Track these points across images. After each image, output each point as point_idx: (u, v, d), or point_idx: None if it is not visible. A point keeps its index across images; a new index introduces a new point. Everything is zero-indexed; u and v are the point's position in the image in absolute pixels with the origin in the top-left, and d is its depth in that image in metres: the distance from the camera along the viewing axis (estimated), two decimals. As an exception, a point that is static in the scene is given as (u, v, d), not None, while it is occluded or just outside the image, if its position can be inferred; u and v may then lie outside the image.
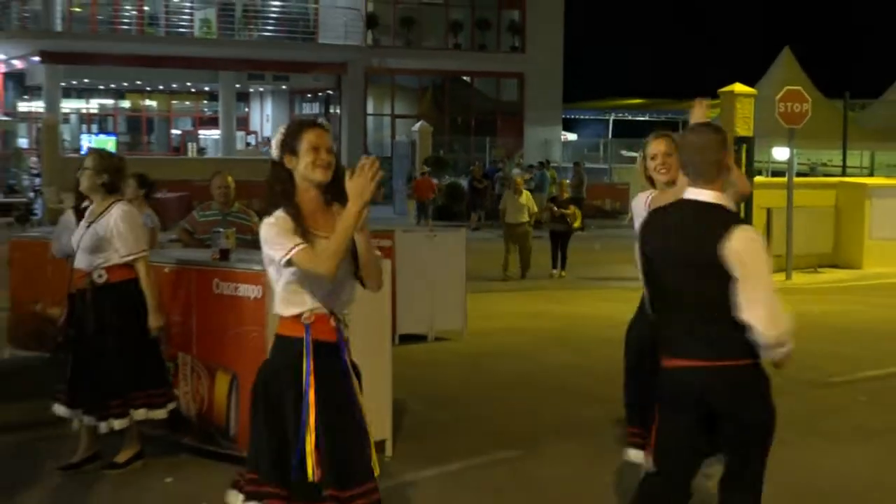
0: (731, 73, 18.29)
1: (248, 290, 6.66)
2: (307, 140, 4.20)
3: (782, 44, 26.76)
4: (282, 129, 4.36)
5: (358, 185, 3.86)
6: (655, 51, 64.49)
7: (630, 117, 47.21)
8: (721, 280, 4.01)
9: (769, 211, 16.89)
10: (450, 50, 35.75)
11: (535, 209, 17.18)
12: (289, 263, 4.10)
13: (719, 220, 4.10)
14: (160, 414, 6.62)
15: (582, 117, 48.21)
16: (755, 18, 68.23)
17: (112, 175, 6.60)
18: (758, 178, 17.70)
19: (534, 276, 16.69)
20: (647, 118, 45.76)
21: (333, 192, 4.27)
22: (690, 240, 4.14)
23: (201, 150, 36.22)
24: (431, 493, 6.17)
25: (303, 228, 4.14)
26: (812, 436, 7.47)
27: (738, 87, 16.96)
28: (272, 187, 4.35)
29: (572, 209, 17.37)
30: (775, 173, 21.07)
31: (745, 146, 16.24)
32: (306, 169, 4.18)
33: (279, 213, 4.16)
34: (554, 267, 16.97)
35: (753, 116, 16.68)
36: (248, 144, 36.20)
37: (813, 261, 17.84)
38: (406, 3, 35.58)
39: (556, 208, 17.34)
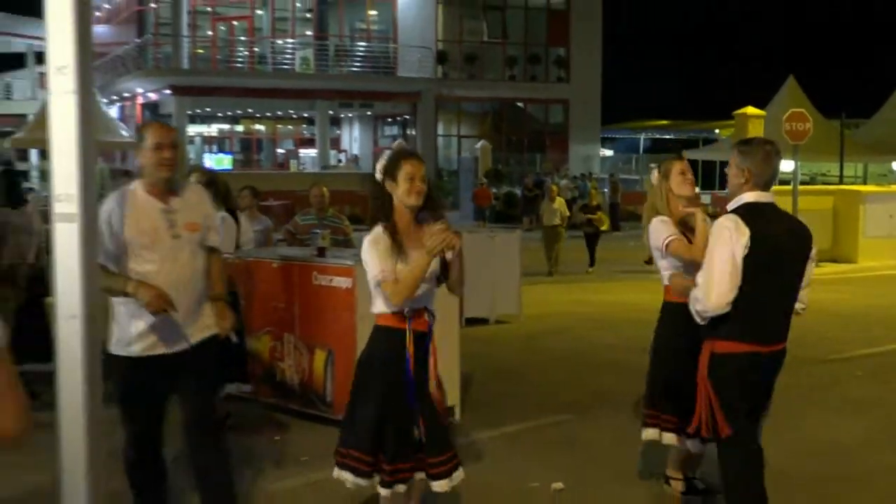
0: (742, 98, 18.11)
1: (341, 282, 6.72)
2: (405, 170, 4.20)
3: (787, 72, 26.43)
4: (384, 157, 4.35)
5: (432, 244, 3.94)
6: (678, 80, 64.15)
7: (657, 136, 47.10)
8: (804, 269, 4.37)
9: (777, 214, 16.97)
10: (506, 81, 35.72)
11: (567, 213, 17.09)
12: (378, 286, 4.19)
13: (796, 218, 4.50)
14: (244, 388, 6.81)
15: (617, 136, 48.04)
16: (764, 50, 67.84)
17: (207, 187, 6.73)
18: (767, 187, 17.75)
19: (573, 270, 16.64)
20: (671, 136, 45.88)
21: (426, 213, 4.31)
22: (799, 236, 4.31)
23: (301, 166, 36.50)
24: (492, 451, 6.15)
25: (398, 243, 4.17)
26: (812, 405, 7.42)
27: (750, 110, 16.98)
28: (374, 204, 4.39)
29: (599, 214, 17.37)
30: (782, 182, 20.81)
31: (755, 159, 16.47)
32: (403, 194, 4.19)
33: (378, 231, 4.20)
34: (592, 264, 16.91)
35: (763, 134, 16.72)
36: (339, 161, 36.35)
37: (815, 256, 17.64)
38: (469, 42, 35.58)
39: (584, 214, 17.44)
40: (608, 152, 43.90)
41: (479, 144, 32.06)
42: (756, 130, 16.72)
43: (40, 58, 43.19)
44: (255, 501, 5.42)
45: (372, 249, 4.18)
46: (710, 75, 64.53)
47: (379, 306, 4.27)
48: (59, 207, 3.85)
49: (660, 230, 4.98)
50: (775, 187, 4.49)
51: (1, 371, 2.05)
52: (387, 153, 4.44)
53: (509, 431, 6.75)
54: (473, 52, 35.59)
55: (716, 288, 4.01)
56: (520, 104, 37.24)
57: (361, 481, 4.40)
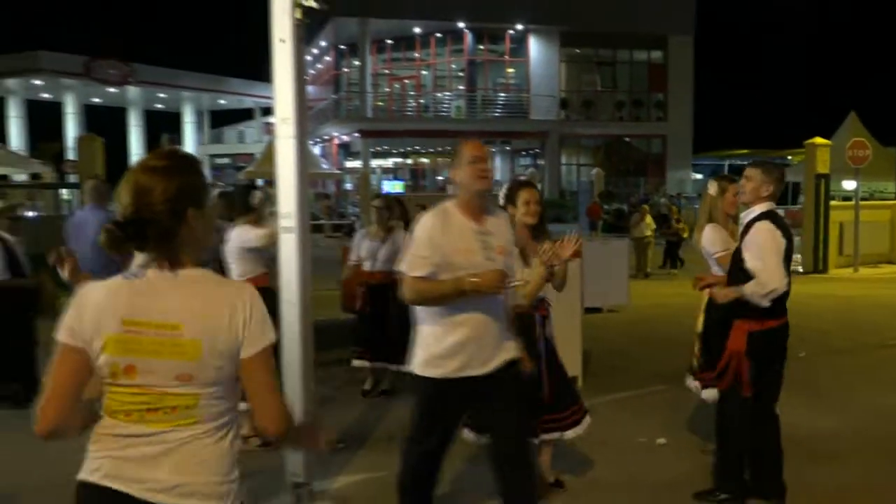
0: (811, 129, 17.30)
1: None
2: (522, 196, 4.26)
3: (849, 106, 25.06)
4: (507, 186, 4.46)
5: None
6: (756, 114, 61.90)
7: (739, 162, 45.15)
8: None
9: (841, 225, 16.38)
10: (615, 121, 35.17)
11: (654, 227, 16.53)
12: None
13: None
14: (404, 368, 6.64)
15: (705, 163, 46.49)
16: (829, 87, 65.06)
17: (392, 206, 6.96)
18: (833, 202, 16.92)
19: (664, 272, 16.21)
20: (749, 162, 43.97)
21: (538, 230, 4.29)
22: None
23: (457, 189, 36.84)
24: (606, 412, 6.04)
25: (522, 255, 4.18)
26: (874, 383, 7.02)
27: (818, 140, 16.25)
28: None
29: (682, 224, 16.83)
30: (845, 198, 19.86)
31: (823, 181, 15.98)
32: (521, 216, 4.22)
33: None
34: (673, 266, 16.32)
35: (829, 160, 16.11)
36: (485, 185, 36.56)
37: (875, 259, 16.86)
38: (586, 91, 35.21)
39: (667, 226, 17.05)
40: (698, 175, 42.51)
41: (594, 171, 31.71)
42: (823, 157, 15.94)
43: (265, 111, 45.11)
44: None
45: None
46: (783, 110, 62.19)
47: (511, 300, 4.37)
48: (283, 222, 4.03)
49: (714, 240, 4.84)
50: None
51: (264, 372, 1.90)
52: (507, 184, 4.54)
53: (619, 397, 6.64)
54: (589, 99, 35.17)
55: (777, 274, 3.86)
56: (626, 139, 36.53)
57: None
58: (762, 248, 3.91)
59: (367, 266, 6.66)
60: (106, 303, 1.83)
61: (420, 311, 3.44)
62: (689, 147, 36.03)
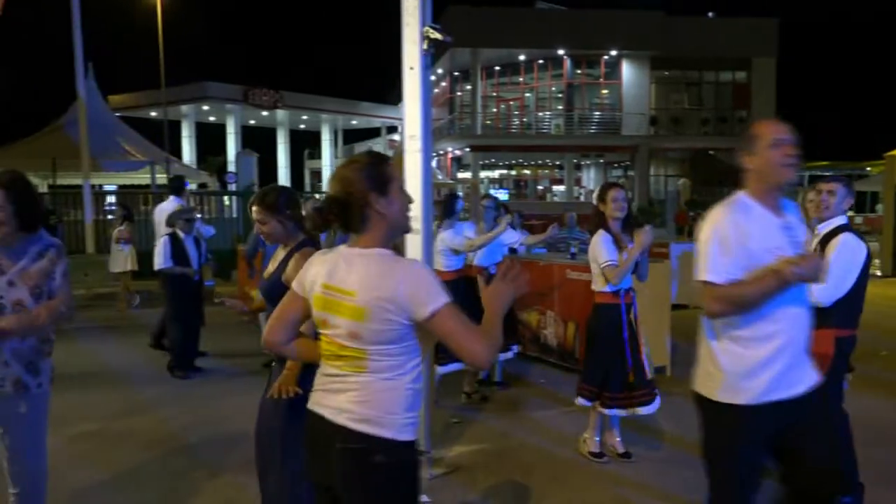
0: (891, 142, 16.16)
1: (586, 276, 6.61)
2: (611, 195, 4.39)
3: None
4: (598, 189, 4.60)
5: (643, 239, 3.75)
6: (835, 127, 58.32)
7: (820, 173, 42.75)
8: None
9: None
10: (700, 136, 33.84)
11: None
12: (605, 266, 4.35)
13: None
14: (509, 355, 6.42)
15: (786, 174, 44.19)
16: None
17: (498, 210, 6.73)
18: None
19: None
20: (830, 174, 41.33)
21: (626, 224, 4.44)
22: None
23: (554, 197, 36.47)
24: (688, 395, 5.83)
25: (617, 241, 4.37)
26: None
27: (897, 152, 15.17)
28: (593, 219, 4.58)
29: None
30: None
31: (903, 190, 14.68)
32: (610, 211, 4.36)
33: (603, 232, 4.43)
34: None
35: None
36: (579, 195, 35.95)
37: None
38: (674, 108, 34.08)
39: None
40: (779, 185, 40.55)
41: (680, 181, 30.76)
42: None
43: (389, 130, 45.96)
44: (527, 423, 5.46)
45: (604, 243, 4.34)
46: (863, 124, 58.31)
47: (599, 285, 4.45)
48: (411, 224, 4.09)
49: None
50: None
51: (446, 325, 1.96)
52: (598, 187, 4.69)
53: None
54: (677, 116, 34.04)
55: (843, 287, 3.60)
56: (711, 152, 35.14)
57: (587, 403, 4.60)
58: (846, 261, 3.71)
59: (470, 260, 6.43)
60: (319, 268, 2.12)
61: (711, 323, 2.60)
62: (770, 160, 34.30)
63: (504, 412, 5.73)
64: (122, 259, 10.39)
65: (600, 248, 4.40)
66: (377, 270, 2.00)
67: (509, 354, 6.36)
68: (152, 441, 5.09)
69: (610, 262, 4.33)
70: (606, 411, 4.54)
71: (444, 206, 6.10)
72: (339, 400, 2.04)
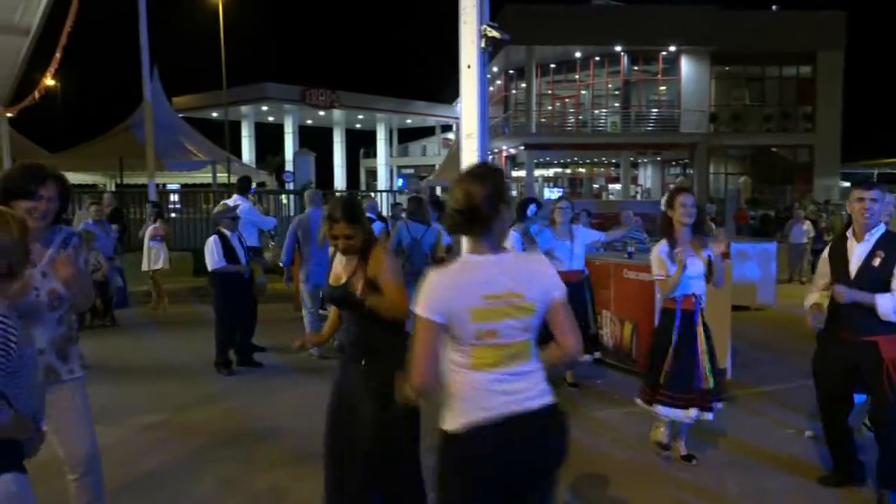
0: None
1: (644, 276, 6.52)
2: (679, 200, 4.33)
3: None
4: (667, 194, 4.52)
5: (681, 258, 3.74)
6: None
7: (888, 171, 41.03)
8: None
9: None
10: (762, 133, 32.92)
11: (813, 234, 14.81)
12: (655, 282, 4.33)
13: None
14: (588, 359, 6.32)
15: (855, 171, 42.57)
16: None
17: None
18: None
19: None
20: (867, 182, 39.61)
21: (695, 230, 4.35)
22: None
23: (609, 196, 36.00)
24: (754, 404, 5.70)
25: (673, 250, 4.29)
26: None
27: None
28: (661, 225, 4.52)
29: (834, 230, 15.25)
30: None
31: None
32: (678, 217, 4.29)
33: (664, 244, 4.39)
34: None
35: None
36: (636, 193, 35.43)
37: None
38: (734, 105, 33.22)
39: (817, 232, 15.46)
40: (845, 184, 39.09)
41: (741, 179, 29.97)
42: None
43: (443, 129, 46.10)
44: (584, 423, 5.41)
45: (658, 255, 4.38)
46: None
47: (661, 293, 4.44)
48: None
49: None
50: None
51: (561, 314, 2.28)
52: (668, 191, 4.57)
53: (766, 390, 6.22)
54: (737, 113, 33.14)
55: None
56: (773, 149, 34.15)
57: (644, 405, 4.55)
58: None
59: (558, 266, 6.06)
60: (462, 286, 2.18)
61: None
62: (836, 156, 33.10)
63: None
64: (153, 256, 10.36)
65: (653, 261, 4.45)
66: (527, 268, 2.26)
67: (588, 358, 6.26)
68: (212, 433, 5.23)
69: (659, 277, 4.37)
70: (661, 409, 4.46)
71: (518, 210, 6.18)
72: (522, 390, 2.22)
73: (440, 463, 2.25)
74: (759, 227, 26.68)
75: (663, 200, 4.47)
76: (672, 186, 30.94)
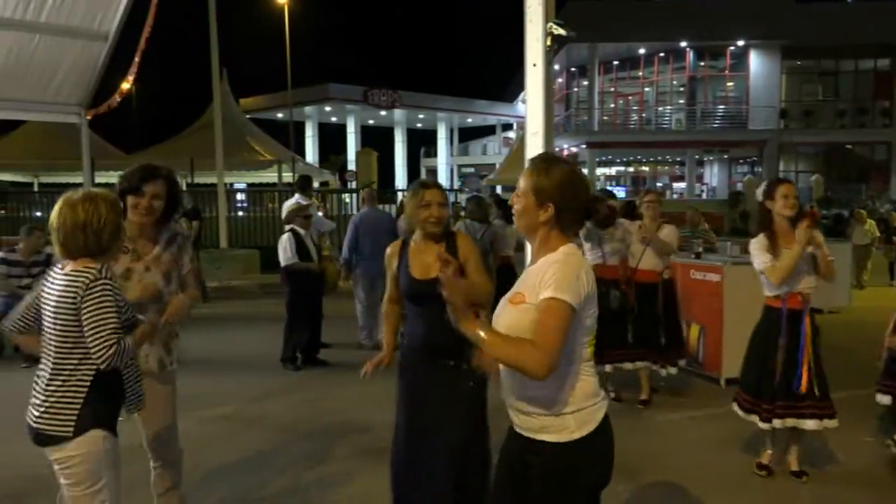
0: None
1: (712, 276, 6.36)
2: (780, 191, 4.14)
3: None
4: (765, 184, 4.30)
5: (799, 236, 3.75)
6: None
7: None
8: None
9: None
10: (836, 129, 31.64)
11: (877, 234, 13.98)
12: (762, 272, 4.05)
13: None
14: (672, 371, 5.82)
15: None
16: None
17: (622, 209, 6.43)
18: None
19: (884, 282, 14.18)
20: None
21: (793, 221, 4.05)
22: None
23: (674, 195, 35.24)
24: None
25: (773, 244, 4.02)
26: None
27: None
28: (758, 218, 4.34)
29: None
30: None
31: None
32: (780, 208, 4.07)
33: (761, 236, 4.18)
34: (893, 279, 13.99)
35: None
36: (700, 192, 34.56)
37: None
38: (807, 101, 32.05)
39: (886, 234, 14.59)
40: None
41: (813, 177, 28.87)
42: None
43: (504, 128, 45.92)
44: (648, 427, 5.31)
45: (756, 245, 4.12)
46: None
47: (766, 290, 4.19)
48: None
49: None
50: None
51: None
52: (765, 182, 4.29)
53: (843, 396, 5.91)
54: (810, 108, 31.94)
55: None
56: (848, 146, 32.83)
57: (740, 412, 4.29)
58: None
59: (633, 263, 5.77)
60: (585, 269, 2.05)
61: None
62: (916, 152, 31.64)
63: (624, 415, 5.60)
64: None
65: (753, 253, 4.15)
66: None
67: (673, 370, 5.85)
68: (277, 427, 5.34)
69: (765, 264, 4.03)
70: (762, 425, 4.18)
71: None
72: None
73: (572, 478, 2.02)
74: (832, 226, 25.71)
75: (760, 191, 4.19)
76: (738, 184, 30.06)
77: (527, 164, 2.19)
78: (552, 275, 1.97)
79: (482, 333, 1.92)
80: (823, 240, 4.08)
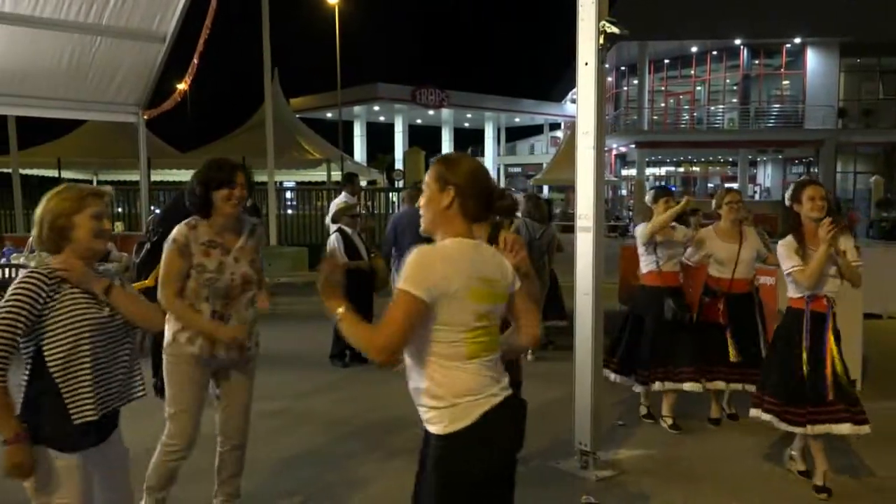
0: None
1: (767, 279, 6.22)
2: (807, 193, 4.04)
3: None
4: (791, 188, 4.20)
5: (823, 234, 3.66)
6: None
7: None
8: None
9: None
10: (897, 129, 30.61)
11: None
12: (789, 275, 3.97)
13: None
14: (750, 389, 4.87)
15: None
16: None
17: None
18: None
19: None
20: None
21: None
22: None
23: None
24: (887, 418, 5.29)
25: (802, 247, 3.94)
26: None
27: None
28: (786, 221, 4.25)
29: None
30: None
31: None
32: (808, 211, 3.98)
33: (789, 238, 4.07)
34: None
35: None
36: (754, 193, 33.77)
37: None
38: (867, 99, 31.03)
39: None
40: None
41: (872, 179, 27.94)
42: None
43: (551, 127, 45.64)
44: (694, 432, 5.20)
45: (784, 248, 4.02)
46: None
47: (791, 291, 4.09)
48: (580, 222, 4.00)
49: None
50: None
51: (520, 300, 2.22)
52: (792, 185, 4.18)
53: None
54: (870, 107, 30.90)
55: None
56: (910, 146, 31.76)
57: (763, 416, 4.19)
58: None
59: (716, 272, 5.23)
60: (460, 266, 2.05)
61: None
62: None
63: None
64: None
65: (780, 256, 4.08)
66: (494, 256, 2.19)
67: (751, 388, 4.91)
68: (328, 422, 5.41)
69: (794, 268, 3.94)
70: (793, 429, 4.09)
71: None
72: (502, 376, 2.16)
73: (447, 471, 2.06)
74: (889, 229, 24.81)
75: (787, 194, 4.13)
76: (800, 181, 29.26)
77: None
78: (407, 265, 2.03)
79: (340, 311, 2.10)
80: (853, 244, 3.98)
